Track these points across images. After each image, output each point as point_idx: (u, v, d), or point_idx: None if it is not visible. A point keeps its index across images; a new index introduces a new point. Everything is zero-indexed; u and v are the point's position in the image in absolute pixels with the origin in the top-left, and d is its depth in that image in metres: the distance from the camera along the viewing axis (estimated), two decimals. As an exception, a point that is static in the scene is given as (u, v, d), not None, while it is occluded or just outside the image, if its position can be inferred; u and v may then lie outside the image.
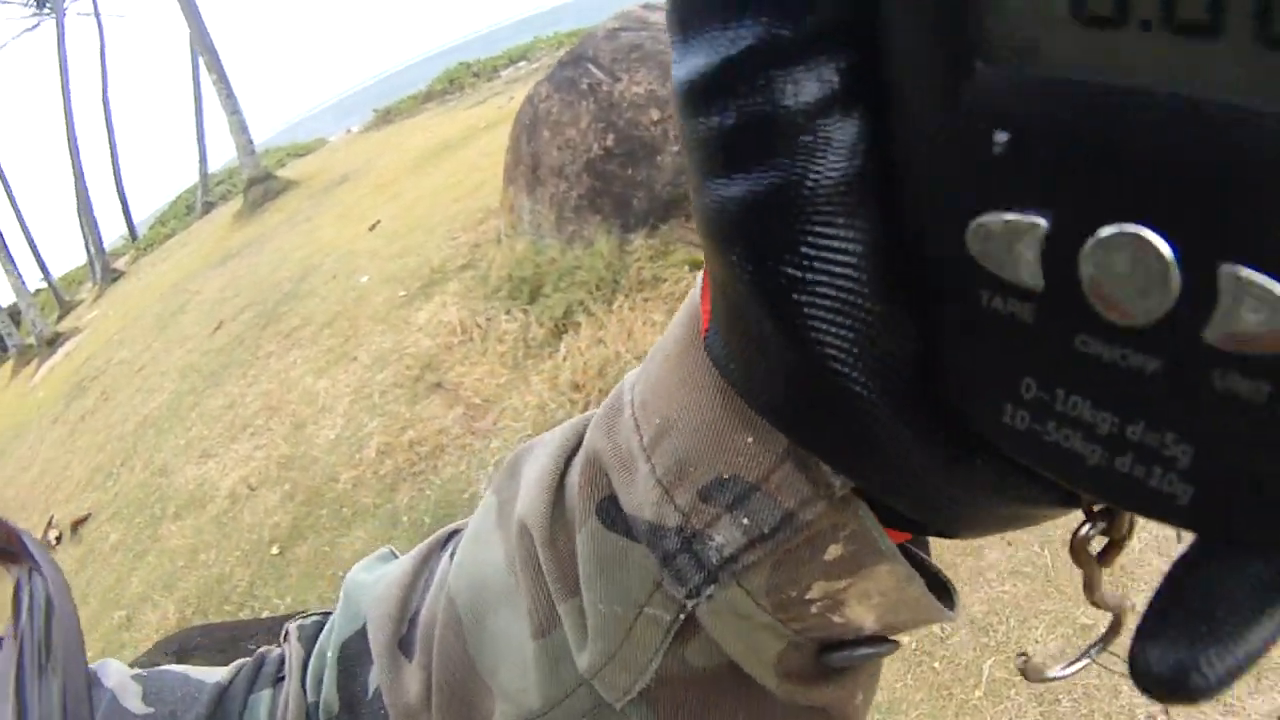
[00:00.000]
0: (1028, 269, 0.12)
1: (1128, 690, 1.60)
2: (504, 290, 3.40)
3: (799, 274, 0.14)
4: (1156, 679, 0.13)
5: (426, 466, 2.74)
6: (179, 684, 0.36)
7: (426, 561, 0.33)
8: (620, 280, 3.06)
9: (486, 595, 0.28)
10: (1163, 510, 0.12)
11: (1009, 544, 2.13)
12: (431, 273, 4.09)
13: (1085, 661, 0.21)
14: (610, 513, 0.23)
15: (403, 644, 0.31)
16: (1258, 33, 0.09)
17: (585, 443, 0.24)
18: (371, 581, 0.34)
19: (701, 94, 0.15)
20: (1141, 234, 0.10)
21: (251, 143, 9.96)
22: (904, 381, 0.15)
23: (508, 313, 3.31)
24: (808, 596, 0.21)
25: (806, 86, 0.14)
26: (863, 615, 0.21)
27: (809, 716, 0.25)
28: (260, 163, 10.03)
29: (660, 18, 3.88)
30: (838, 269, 0.14)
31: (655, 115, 3.37)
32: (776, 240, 0.14)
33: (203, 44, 10.07)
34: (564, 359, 2.97)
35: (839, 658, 0.23)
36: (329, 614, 0.37)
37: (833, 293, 0.14)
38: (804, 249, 0.14)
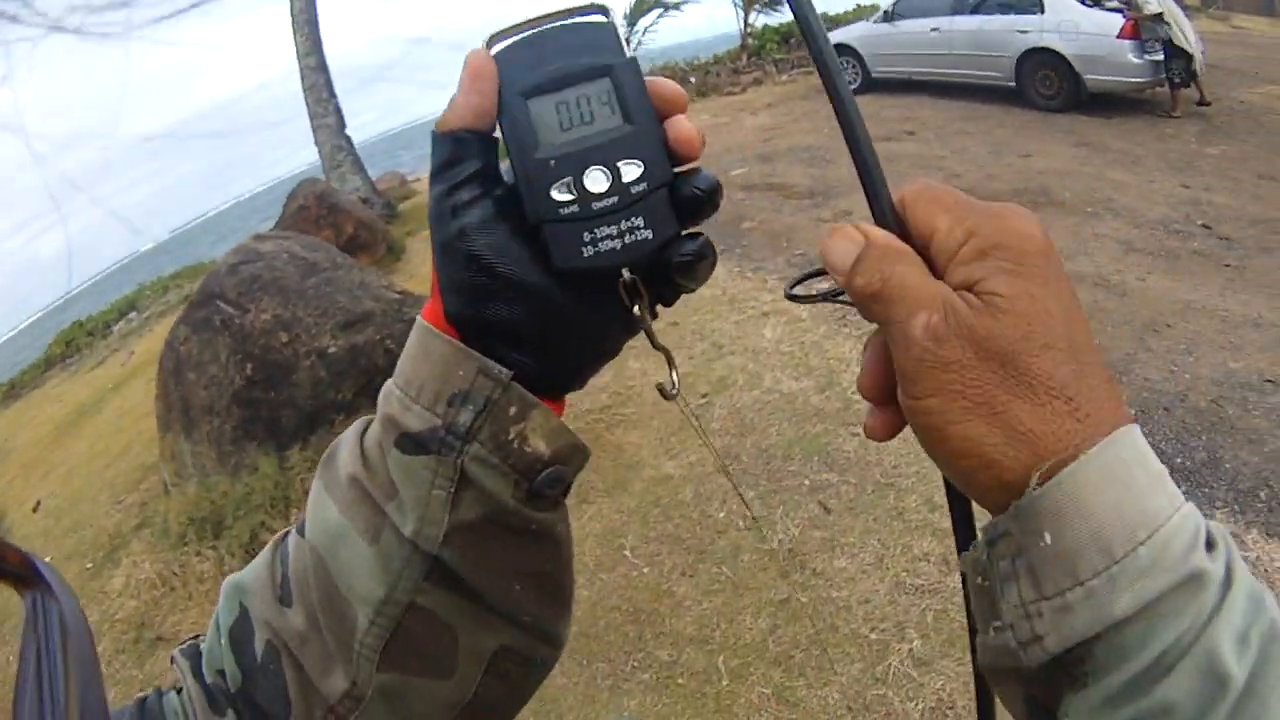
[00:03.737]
0: (568, 193, 0.36)
1: None
2: (189, 535, 3.51)
3: (484, 239, 0.37)
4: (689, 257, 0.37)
5: (180, 715, 2.81)
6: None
7: (275, 550, 0.45)
8: (290, 495, 3.40)
9: (331, 536, 0.41)
10: (645, 247, 0.36)
11: (691, 576, 2.65)
12: (110, 540, 4.06)
13: (674, 391, 0.40)
14: (402, 443, 0.39)
15: (280, 599, 0.43)
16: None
17: (377, 417, 0.41)
18: (239, 576, 0.46)
19: (448, 191, 0.37)
20: (595, 170, 0.36)
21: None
22: (528, 259, 0.37)
23: (198, 554, 3.44)
24: (509, 438, 0.38)
25: (472, 186, 0.37)
26: (539, 443, 0.39)
27: (536, 542, 0.41)
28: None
29: (272, 246, 4.15)
30: (491, 234, 0.37)
31: (284, 337, 3.67)
32: (477, 230, 0.37)
33: None
34: (265, 577, 3.19)
35: (541, 479, 0.39)
36: (197, 636, 0.47)
37: (488, 239, 0.36)
38: (485, 230, 0.37)
